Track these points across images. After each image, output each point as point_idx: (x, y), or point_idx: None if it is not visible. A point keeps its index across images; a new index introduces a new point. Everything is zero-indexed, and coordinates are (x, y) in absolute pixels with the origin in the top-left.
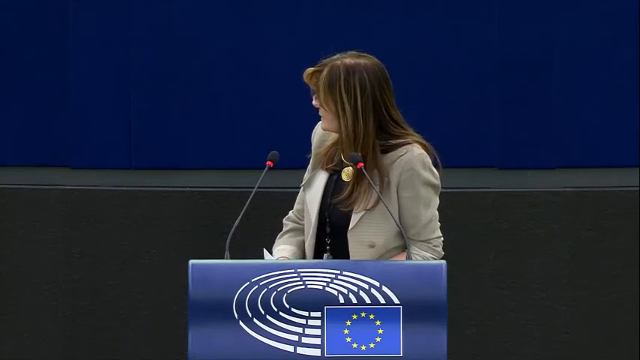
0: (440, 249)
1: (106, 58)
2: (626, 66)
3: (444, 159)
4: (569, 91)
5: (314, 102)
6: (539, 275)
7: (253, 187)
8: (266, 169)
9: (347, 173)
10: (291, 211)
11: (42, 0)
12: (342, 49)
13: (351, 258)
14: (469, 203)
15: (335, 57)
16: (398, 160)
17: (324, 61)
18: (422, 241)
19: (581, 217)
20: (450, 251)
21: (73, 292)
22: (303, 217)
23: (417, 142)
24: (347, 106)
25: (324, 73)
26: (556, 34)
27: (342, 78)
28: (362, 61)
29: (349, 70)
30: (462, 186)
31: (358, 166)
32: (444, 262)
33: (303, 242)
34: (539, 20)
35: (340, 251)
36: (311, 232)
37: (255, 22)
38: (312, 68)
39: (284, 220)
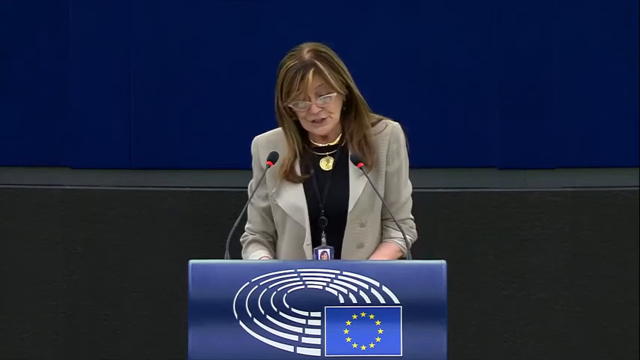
0: (415, 231)
1: (106, 58)
2: (626, 66)
3: (445, 159)
4: (569, 91)
5: (316, 108)
6: (539, 275)
7: None
8: (266, 169)
9: (326, 162)
10: (247, 231)
11: (42, 0)
12: (342, 48)
13: (346, 240)
14: (469, 203)
15: (295, 55)
16: (382, 134)
17: (296, 64)
18: (401, 220)
19: (581, 217)
20: (450, 251)
21: (73, 292)
22: (263, 231)
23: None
24: (349, 75)
25: (319, 65)
26: (556, 34)
27: (331, 55)
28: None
29: (326, 50)
30: (462, 186)
31: (358, 166)
32: (444, 262)
33: (272, 252)
34: (539, 20)
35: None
36: (306, 237)
37: (255, 22)
38: (309, 76)
39: (241, 239)
